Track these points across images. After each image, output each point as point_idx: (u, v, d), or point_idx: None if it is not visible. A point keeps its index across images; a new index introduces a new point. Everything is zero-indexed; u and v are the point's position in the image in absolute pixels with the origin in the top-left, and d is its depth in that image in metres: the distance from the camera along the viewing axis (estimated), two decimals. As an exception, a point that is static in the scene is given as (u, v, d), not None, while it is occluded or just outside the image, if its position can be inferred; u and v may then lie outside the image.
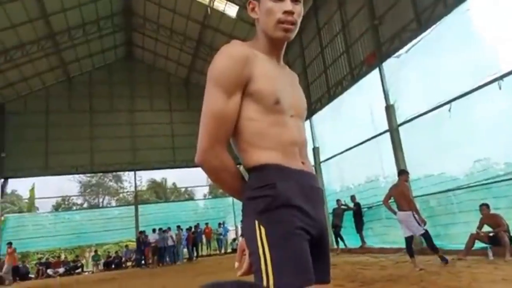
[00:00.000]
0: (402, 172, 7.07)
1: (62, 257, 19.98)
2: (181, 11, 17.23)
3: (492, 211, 7.20)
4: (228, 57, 1.22)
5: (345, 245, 11.82)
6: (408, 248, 6.58)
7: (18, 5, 14.20)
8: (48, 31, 16.22)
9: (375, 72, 10.88)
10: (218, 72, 1.22)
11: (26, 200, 28.09)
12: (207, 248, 19.13)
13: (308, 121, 14.68)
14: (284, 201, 1.19)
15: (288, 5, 1.28)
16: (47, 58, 18.05)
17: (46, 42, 16.65)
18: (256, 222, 1.19)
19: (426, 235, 6.38)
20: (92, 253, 19.97)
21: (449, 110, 8.36)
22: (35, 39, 16.24)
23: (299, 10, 1.31)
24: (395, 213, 6.66)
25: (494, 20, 7.73)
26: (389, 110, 10.26)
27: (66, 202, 30.68)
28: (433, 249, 6.39)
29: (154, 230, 16.91)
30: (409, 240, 6.54)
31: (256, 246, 1.17)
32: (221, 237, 18.92)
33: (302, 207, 1.22)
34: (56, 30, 16.45)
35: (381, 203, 10.91)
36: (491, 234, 6.96)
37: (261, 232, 1.18)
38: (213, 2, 16.00)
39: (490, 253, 6.78)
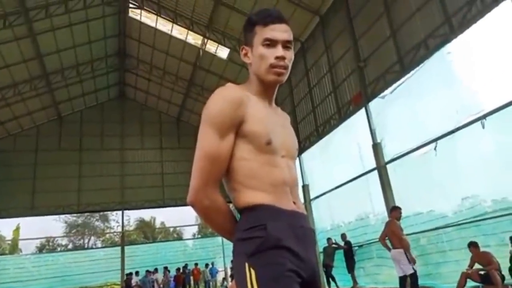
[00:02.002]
0: (393, 209, 6.97)
1: (44, 301, 19.08)
2: (174, 53, 17.72)
3: (482, 249, 7.19)
4: (223, 99, 1.26)
5: (337, 285, 11.54)
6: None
7: (13, 46, 14.47)
8: (42, 71, 16.45)
9: (362, 111, 11.18)
10: (213, 114, 1.25)
11: (9, 242, 27.17)
12: (196, 291, 18.49)
13: (297, 159, 14.76)
14: (274, 243, 1.19)
15: (280, 51, 1.33)
16: (39, 97, 18.18)
17: (39, 81, 16.83)
18: (246, 265, 1.18)
19: (414, 276, 6.21)
20: (76, 297, 19.13)
21: (435, 149, 8.56)
22: (28, 78, 16.42)
23: (290, 55, 1.37)
24: (390, 250, 6.57)
25: (475, 62, 8.10)
26: (376, 148, 10.45)
27: (51, 243, 29.73)
28: None
29: (137, 273, 16.33)
30: (403, 279, 6.42)
31: None
32: (208, 279, 18.30)
33: (293, 248, 1.21)
34: (49, 70, 16.69)
35: (372, 241, 10.88)
36: (482, 273, 6.91)
37: (251, 275, 1.16)
38: (205, 45, 16.51)
39: (482, 292, 6.72)
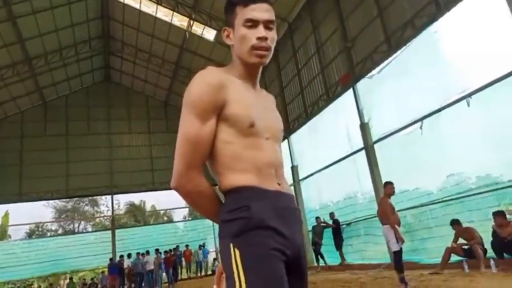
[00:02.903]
0: (385, 185, 6.78)
1: (35, 286, 19.16)
2: (160, 35, 17.42)
3: (466, 224, 7.40)
4: (203, 83, 1.25)
5: (325, 262, 11.82)
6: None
7: (-8, 30, 14.10)
8: (24, 55, 16.08)
9: (350, 92, 11.23)
10: (193, 98, 1.24)
11: (-2, 228, 27.00)
12: (187, 271, 18.73)
13: (286, 140, 14.89)
14: (258, 223, 1.20)
15: (262, 32, 1.30)
16: (23, 82, 17.80)
17: (22, 66, 16.46)
18: (231, 245, 1.20)
19: (398, 253, 6.18)
20: (67, 281, 19.24)
21: (421, 127, 8.69)
22: (10, 63, 16.04)
23: (272, 36, 1.34)
24: None
25: (461, 41, 8.16)
26: (364, 128, 10.56)
27: (40, 229, 29.67)
28: (397, 268, 6.19)
29: (129, 255, 16.45)
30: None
31: (231, 269, 1.18)
32: (200, 259, 18.50)
33: (277, 228, 1.22)
34: (32, 54, 16.32)
35: (360, 219, 11.13)
36: (465, 247, 7.13)
37: (235, 255, 1.18)
38: (191, 27, 16.25)
39: (466, 266, 6.93)
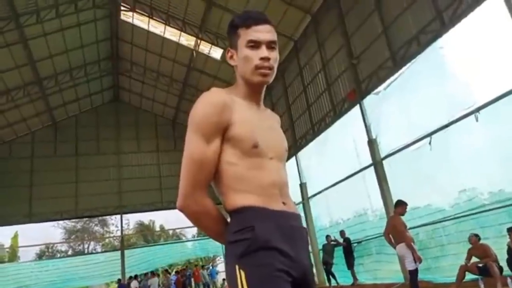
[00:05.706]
0: (397, 204, 6.58)
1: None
2: (168, 55, 17.68)
3: (480, 241, 7.21)
4: (207, 104, 1.26)
5: (337, 282, 11.57)
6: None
7: (4, 52, 14.39)
8: (35, 76, 16.36)
9: (356, 108, 11.20)
10: (198, 119, 1.26)
11: (7, 249, 27.07)
12: (197, 293, 18.48)
13: (294, 158, 14.82)
14: (262, 244, 1.20)
15: (264, 52, 1.33)
16: (33, 103, 18.10)
17: (32, 87, 16.76)
18: (237, 267, 1.19)
19: (415, 273, 6.06)
20: (77, 303, 19.12)
21: (430, 143, 8.58)
22: (21, 84, 16.34)
23: (275, 56, 1.36)
24: (394, 246, 6.36)
25: (467, 56, 8.13)
26: (372, 144, 10.48)
27: (50, 250, 29.68)
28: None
29: (136, 277, 16.31)
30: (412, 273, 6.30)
31: None
32: (207, 281, 18.18)
33: (282, 248, 1.22)
34: (42, 75, 16.62)
35: (371, 237, 10.93)
36: (480, 265, 6.94)
37: (241, 277, 1.18)
38: (198, 46, 16.48)
39: (482, 284, 6.73)
